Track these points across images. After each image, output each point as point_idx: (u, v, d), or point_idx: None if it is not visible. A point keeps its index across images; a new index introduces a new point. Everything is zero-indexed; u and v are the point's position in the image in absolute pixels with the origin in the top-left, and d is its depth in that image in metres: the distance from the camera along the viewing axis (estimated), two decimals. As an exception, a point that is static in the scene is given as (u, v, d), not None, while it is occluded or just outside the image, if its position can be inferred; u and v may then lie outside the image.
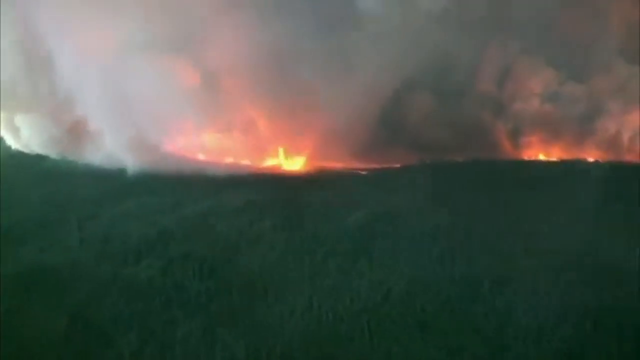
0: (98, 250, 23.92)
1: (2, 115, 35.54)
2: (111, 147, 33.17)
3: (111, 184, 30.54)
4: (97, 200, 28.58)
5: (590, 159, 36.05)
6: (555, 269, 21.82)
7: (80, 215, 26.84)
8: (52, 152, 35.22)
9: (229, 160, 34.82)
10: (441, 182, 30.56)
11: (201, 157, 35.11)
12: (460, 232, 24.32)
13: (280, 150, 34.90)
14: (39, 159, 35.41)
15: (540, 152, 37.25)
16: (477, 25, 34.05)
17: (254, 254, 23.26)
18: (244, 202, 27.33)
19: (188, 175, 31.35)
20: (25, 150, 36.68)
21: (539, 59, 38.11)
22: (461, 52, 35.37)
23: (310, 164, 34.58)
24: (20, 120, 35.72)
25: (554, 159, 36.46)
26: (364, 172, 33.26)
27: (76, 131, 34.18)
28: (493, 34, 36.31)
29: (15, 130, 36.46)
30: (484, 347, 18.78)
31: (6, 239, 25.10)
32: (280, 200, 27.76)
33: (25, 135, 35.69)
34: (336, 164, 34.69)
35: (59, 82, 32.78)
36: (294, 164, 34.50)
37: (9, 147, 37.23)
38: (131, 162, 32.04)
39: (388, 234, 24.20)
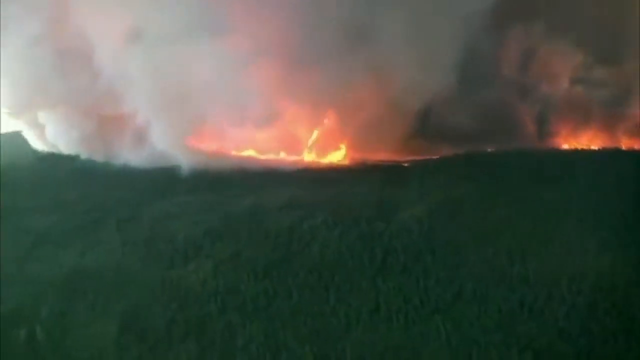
0: (142, 252, 22.65)
1: (26, 113, 33.29)
2: (157, 143, 31.30)
3: (148, 184, 28.98)
4: (135, 200, 27.13)
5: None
6: (633, 263, 19.82)
7: (120, 216, 25.50)
8: (82, 152, 33.18)
9: (267, 155, 32.35)
10: (489, 173, 28.59)
11: (237, 153, 32.62)
12: (527, 225, 22.41)
13: (317, 143, 32.51)
14: (69, 159, 33.56)
15: (568, 138, 34.47)
16: (501, 7, 31.56)
17: (308, 253, 21.56)
18: (288, 198, 25.84)
19: (227, 172, 29.17)
20: (50, 149, 34.61)
21: (566, 41, 35.33)
22: (485, 36, 32.78)
23: (349, 156, 32.31)
24: (46, 117, 33.43)
25: (583, 146, 33.89)
26: (406, 164, 31.10)
27: (110, 128, 31.80)
28: (518, 15, 33.70)
29: (39, 128, 34.28)
30: (569, 348, 17.36)
31: (45, 242, 23.67)
32: (327, 196, 25.92)
33: (51, 133, 33.46)
34: (372, 156, 32.24)
35: (94, 75, 30.50)
36: (332, 157, 32.36)
37: (35, 150, 35.03)
38: (171, 160, 29.85)
39: (450, 229, 22.38)
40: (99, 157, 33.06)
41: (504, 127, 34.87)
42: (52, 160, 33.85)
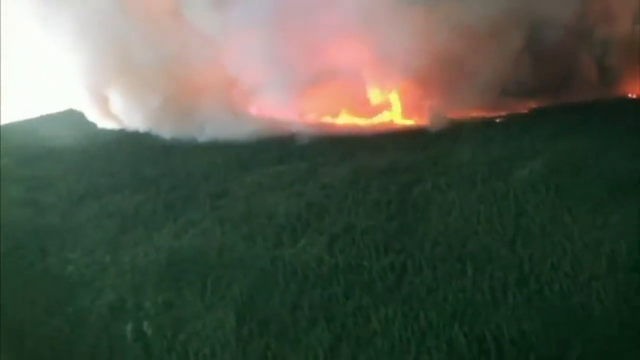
0: (244, 230, 20.38)
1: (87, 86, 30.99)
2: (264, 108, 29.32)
3: (230, 157, 26.64)
4: (221, 174, 25.20)
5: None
6: None
7: (209, 192, 23.02)
8: (151, 127, 30.76)
9: (346, 119, 29.73)
10: (592, 124, 25.63)
11: (317, 119, 30.05)
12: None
13: (398, 104, 29.78)
14: (141, 136, 31.41)
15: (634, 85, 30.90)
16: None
17: (428, 221, 19.01)
18: (387, 164, 23.18)
19: (312, 140, 26.70)
20: (114, 124, 32.17)
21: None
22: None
23: (429, 116, 29.45)
24: (114, 92, 30.97)
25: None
26: (498, 120, 28.14)
27: (182, 102, 29.36)
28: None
29: (102, 102, 31.88)
30: None
31: (134, 225, 21.52)
32: (427, 157, 23.44)
33: (121, 108, 31.12)
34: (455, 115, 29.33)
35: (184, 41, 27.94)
36: (414, 118, 29.59)
37: (101, 128, 32.72)
38: (249, 131, 27.39)
39: (580, 184, 19.79)
40: (169, 133, 30.07)
41: (566, 76, 30.93)
42: (123, 137, 31.44)
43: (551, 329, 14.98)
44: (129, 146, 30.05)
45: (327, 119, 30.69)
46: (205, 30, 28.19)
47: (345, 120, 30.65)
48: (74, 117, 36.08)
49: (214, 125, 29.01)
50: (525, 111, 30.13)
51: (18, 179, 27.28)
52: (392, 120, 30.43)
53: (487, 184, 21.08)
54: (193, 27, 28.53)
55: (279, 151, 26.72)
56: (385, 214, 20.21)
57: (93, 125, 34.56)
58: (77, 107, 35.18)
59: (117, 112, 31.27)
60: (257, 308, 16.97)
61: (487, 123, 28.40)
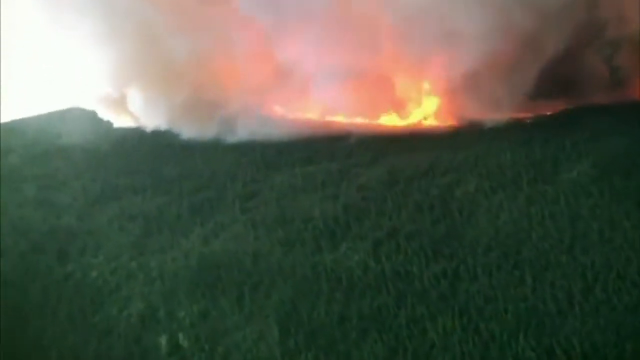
0: (279, 235, 19.08)
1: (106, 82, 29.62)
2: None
3: (255, 157, 25.13)
4: (248, 175, 23.78)
5: None
6: None
7: (237, 194, 21.76)
8: (170, 125, 29.36)
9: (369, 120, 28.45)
10: (628, 126, 24.12)
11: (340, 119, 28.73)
12: None
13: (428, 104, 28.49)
14: (158, 134, 29.87)
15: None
16: None
17: (476, 224, 17.98)
18: (425, 165, 21.85)
19: (339, 140, 25.38)
20: (131, 122, 30.92)
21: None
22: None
23: (449, 117, 28.16)
24: (132, 86, 29.59)
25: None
26: (527, 121, 26.83)
27: (202, 101, 28.00)
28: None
29: (120, 98, 30.71)
30: None
31: (158, 228, 20.19)
32: (466, 158, 22.19)
33: (138, 105, 29.68)
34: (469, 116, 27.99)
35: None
36: (444, 118, 28.31)
37: (114, 126, 31.33)
38: (268, 132, 26.15)
39: (632, 188, 19.26)
40: (189, 132, 28.68)
41: (577, 77, 29.67)
42: (138, 136, 29.95)
43: (626, 343, 13.56)
44: (146, 145, 28.70)
45: (357, 119, 28.99)
46: (261, 21, 26.18)
47: (374, 120, 28.92)
48: (81, 114, 34.45)
49: (242, 125, 27.21)
50: (551, 113, 28.35)
51: (29, 177, 26.32)
52: (420, 121, 28.68)
53: (533, 186, 19.89)
54: (226, 18, 26.74)
55: (306, 151, 25.39)
56: (429, 217, 18.99)
57: (103, 122, 32.97)
58: (87, 104, 33.22)
59: (136, 109, 29.29)
60: (301, 319, 15.72)
61: (520, 124, 26.86)
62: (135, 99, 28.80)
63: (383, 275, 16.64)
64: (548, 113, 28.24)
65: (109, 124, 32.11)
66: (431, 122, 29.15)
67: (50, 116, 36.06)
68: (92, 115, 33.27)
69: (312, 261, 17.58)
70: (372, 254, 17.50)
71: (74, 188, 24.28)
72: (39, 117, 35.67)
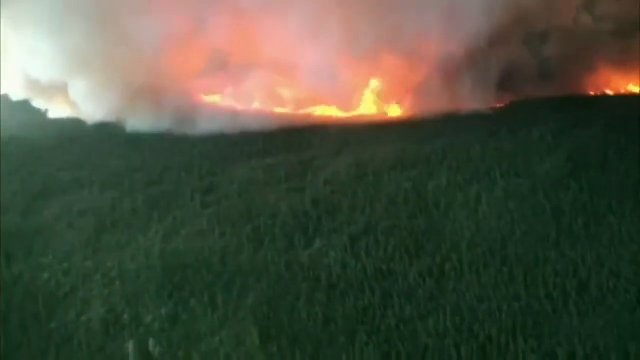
0: (246, 230, 17.74)
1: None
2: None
3: (207, 149, 23.98)
4: (203, 168, 22.30)
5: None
6: None
7: (194, 187, 20.16)
8: (112, 117, 27.52)
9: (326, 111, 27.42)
10: (593, 119, 24.12)
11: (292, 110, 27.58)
12: None
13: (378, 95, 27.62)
14: (100, 126, 28.08)
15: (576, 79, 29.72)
16: None
17: (458, 219, 17.52)
18: (392, 157, 21.00)
19: (291, 131, 24.26)
20: (70, 113, 28.87)
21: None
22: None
23: (412, 110, 27.40)
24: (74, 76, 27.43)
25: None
26: (489, 112, 26.40)
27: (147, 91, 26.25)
28: None
29: (60, 88, 28.35)
30: None
31: (113, 224, 19.00)
32: (432, 151, 21.30)
33: (79, 94, 27.58)
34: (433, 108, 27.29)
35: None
36: (391, 110, 27.54)
37: (55, 117, 29.25)
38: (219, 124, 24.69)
39: (611, 181, 19.26)
40: (132, 124, 26.97)
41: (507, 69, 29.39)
42: (76, 127, 28.18)
43: (629, 345, 12.91)
44: (87, 137, 26.89)
45: (304, 111, 27.82)
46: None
47: (323, 111, 27.83)
48: (9, 104, 32.18)
49: (187, 117, 25.65)
50: (503, 105, 27.96)
51: None
52: (378, 113, 27.76)
53: (507, 179, 19.49)
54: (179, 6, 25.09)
55: (261, 143, 24.10)
56: (404, 211, 18.10)
57: (35, 112, 30.86)
58: (16, 92, 30.87)
59: (78, 98, 27.24)
60: (282, 321, 14.53)
61: (480, 116, 26.33)
62: (78, 88, 26.51)
63: (364, 273, 15.62)
64: (498, 105, 27.23)
65: (41, 114, 29.93)
66: (389, 114, 27.80)
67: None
68: (22, 104, 30.92)
69: (286, 259, 16.35)
70: (350, 250, 16.48)
71: (12, 182, 22.10)
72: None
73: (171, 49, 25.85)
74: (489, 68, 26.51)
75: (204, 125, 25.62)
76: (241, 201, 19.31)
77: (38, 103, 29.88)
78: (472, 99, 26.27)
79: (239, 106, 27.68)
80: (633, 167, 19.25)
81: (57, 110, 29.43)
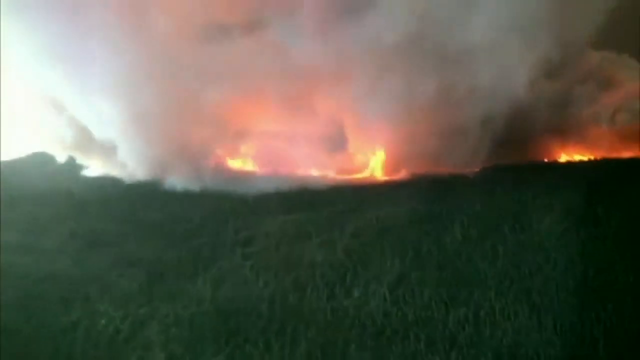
0: (287, 281, 16.42)
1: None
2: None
3: (239, 206, 22.71)
4: (237, 222, 20.99)
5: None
6: None
7: (234, 240, 18.92)
8: (154, 175, 26.08)
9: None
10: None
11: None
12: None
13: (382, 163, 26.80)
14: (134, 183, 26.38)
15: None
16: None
17: (481, 269, 16.50)
18: (408, 214, 20.11)
19: (311, 191, 23.28)
20: (116, 172, 27.32)
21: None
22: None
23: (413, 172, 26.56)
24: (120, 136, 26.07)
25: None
26: (470, 175, 25.54)
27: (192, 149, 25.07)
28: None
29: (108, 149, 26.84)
30: None
31: (162, 274, 17.40)
32: (444, 209, 20.22)
33: (125, 154, 26.14)
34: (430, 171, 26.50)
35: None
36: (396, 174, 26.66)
37: (86, 176, 27.78)
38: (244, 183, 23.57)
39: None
40: (170, 182, 25.61)
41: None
42: (115, 183, 26.54)
43: None
44: (125, 192, 25.35)
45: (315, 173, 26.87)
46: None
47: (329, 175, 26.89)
48: (47, 160, 30.67)
49: (216, 175, 24.49)
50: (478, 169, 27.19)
51: (5, 222, 21.93)
52: (373, 176, 26.83)
53: (515, 235, 19.18)
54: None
55: (284, 201, 22.86)
56: (431, 263, 17.08)
57: (72, 169, 29.27)
58: (55, 149, 29.27)
59: (124, 158, 25.81)
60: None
61: (470, 178, 25.48)
62: (125, 147, 25.06)
63: (406, 321, 14.52)
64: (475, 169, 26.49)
65: (76, 170, 28.35)
66: (381, 178, 26.87)
67: (13, 163, 31.81)
68: (59, 161, 29.39)
69: (331, 306, 15.07)
70: (390, 299, 15.18)
71: (60, 233, 20.76)
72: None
73: (214, 113, 24.19)
74: (483, 136, 25.25)
75: (232, 185, 23.91)
76: (279, 253, 18.22)
77: (81, 160, 27.98)
78: (466, 163, 24.95)
79: (260, 169, 26.05)
80: (623, 221, 18.67)
81: (93, 167, 27.57)
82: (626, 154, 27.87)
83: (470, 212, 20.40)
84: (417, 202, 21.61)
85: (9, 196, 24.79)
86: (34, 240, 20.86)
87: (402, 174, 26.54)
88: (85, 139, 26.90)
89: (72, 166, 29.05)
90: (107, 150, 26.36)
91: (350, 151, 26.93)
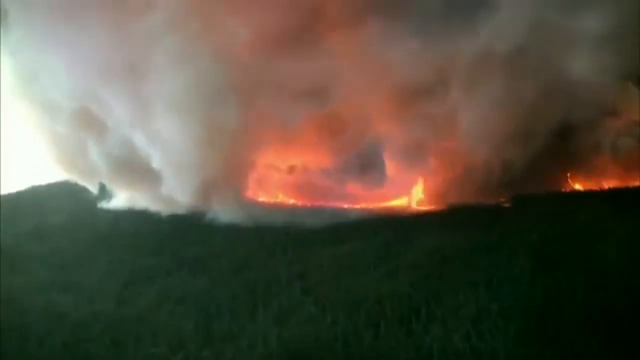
0: (357, 318, 14.50)
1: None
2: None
3: (277, 237, 20.59)
4: (287, 255, 19.05)
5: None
6: None
7: (288, 274, 17.02)
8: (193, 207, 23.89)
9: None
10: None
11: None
12: None
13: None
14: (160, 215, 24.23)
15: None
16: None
17: (540, 298, 14.09)
18: (464, 243, 18.33)
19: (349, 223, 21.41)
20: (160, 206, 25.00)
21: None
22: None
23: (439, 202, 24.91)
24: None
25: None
26: (506, 205, 23.97)
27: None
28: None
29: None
30: None
31: (218, 311, 15.66)
32: (497, 239, 18.46)
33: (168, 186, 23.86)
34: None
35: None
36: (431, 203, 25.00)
37: (106, 209, 25.60)
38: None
39: None
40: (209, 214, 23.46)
41: None
42: (147, 216, 24.26)
43: None
44: (161, 224, 23.06)
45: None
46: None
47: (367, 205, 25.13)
48: (70, 189, 28.56)
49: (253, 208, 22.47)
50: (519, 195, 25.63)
51: (35, 257, 19.90)
52: (409, 205, 25.09)
53: (583, 262, 16.75)
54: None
55: (328, 233, 20.92)
56: (504, 293, 15.18)
57: (104, 199, 27.17)
58: (78, 177, 27.02)
59: (172, 190, 23.48)
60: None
61: (503, 208, 23.89)
62: (173, 175, 22.71)
63: (495, 356, 12.24)
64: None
65: (107, 201, 26.26)
66: (416, 206, 25.15)
67: (34, 190, 29.51)
68: (82, 190, 27.24)
69: (412, 344, 12.98)
70: (475, 335, 13.08)
71: (96, 269, 18.54)
72: (22, 192, 28.96)
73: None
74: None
75: (270, 217, 21.96)
76: (339, 288, 16.11)
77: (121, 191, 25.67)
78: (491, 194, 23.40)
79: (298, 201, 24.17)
80: None
81: (130, 198, 25.32)
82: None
83: (523, 241, 18.65)
84: (457, 234, 19.78)
85: (35, 227, 22.51)
86: (68, 277, 18.58)
87: (439, 204, 24.48)
88: (120, 167, 24.22)
89: (103, 196, 26.61)
90: (142, 178, 23.73)
91: (389, 180, 24.57)
